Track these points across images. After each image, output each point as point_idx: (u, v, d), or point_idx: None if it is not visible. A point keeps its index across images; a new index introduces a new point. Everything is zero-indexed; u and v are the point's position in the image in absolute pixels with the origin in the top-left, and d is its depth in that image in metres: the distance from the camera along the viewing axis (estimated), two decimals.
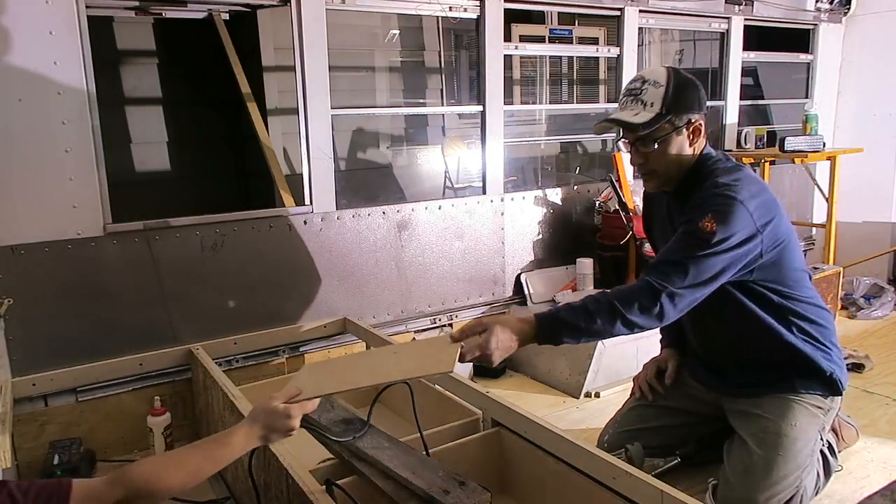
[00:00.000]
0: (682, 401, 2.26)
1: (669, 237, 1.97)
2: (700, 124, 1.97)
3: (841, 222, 4.31)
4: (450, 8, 3.11)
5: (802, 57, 4.63)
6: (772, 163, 4.35)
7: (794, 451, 1.95)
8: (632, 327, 1.76)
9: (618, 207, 3.39)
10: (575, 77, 4.88)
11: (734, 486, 1.94)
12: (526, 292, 3.45)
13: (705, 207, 1.84)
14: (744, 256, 1.85)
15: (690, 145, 1.98)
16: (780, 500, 1.91)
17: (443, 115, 4.73)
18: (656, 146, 1.94)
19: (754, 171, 4.32)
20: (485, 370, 3.25)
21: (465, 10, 3.16)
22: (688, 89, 1.94)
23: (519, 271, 3.48)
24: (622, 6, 3.62)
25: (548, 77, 4.80)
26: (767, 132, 4.41)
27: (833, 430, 2.21)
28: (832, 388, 2.04)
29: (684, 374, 2.30)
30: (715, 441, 2.23)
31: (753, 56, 4.37)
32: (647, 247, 3.27)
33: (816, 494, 2.04)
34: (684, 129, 1.95)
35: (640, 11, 3.70)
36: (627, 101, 1.96)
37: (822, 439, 2.05)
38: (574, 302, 1.80)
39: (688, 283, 1.78)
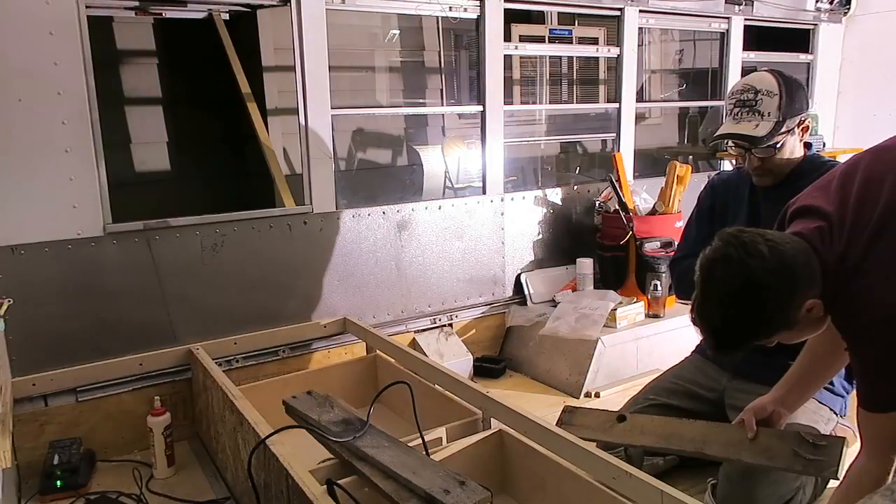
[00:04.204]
0: (686, 400, 2.26)
1: (746, 223, 2.12)
2: (808, 120, 2.10)
3: None
4: (450, 8, 3.11)
5: (802, 57, 4.63)
6: None
7: None
8: None
9: (618, 207, 3.39)
10: (575, 77, 4.88)
11: (734, 485, 1.94)
12: (526, 292, 3.45)
13: None
14: None
15: (801, 141, 2.11)
16: (781, 498, 1.90)
17: (443, 115, 4.74)
18: (775, 151, 2.06)
19: None
20: (485, 370, 3.25)
21: (465, 10, 3.16)
22: (798, 93, 2.07)
23: (519, 271, 3.48)
24: (622, 6, 3.62)
25: (548, 77, 4.81)
26: None
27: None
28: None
29: (691, 367, 2.33)
30: None
31: (753, 56, 4.36)
32: (647, 247, 3.27)
33: (815, 500, 2.04)
34: (797, 130, 2.08)
35: (640, 11, 3.70)
36: (742, 113, 2.06)
37: None
38: None
39: None
